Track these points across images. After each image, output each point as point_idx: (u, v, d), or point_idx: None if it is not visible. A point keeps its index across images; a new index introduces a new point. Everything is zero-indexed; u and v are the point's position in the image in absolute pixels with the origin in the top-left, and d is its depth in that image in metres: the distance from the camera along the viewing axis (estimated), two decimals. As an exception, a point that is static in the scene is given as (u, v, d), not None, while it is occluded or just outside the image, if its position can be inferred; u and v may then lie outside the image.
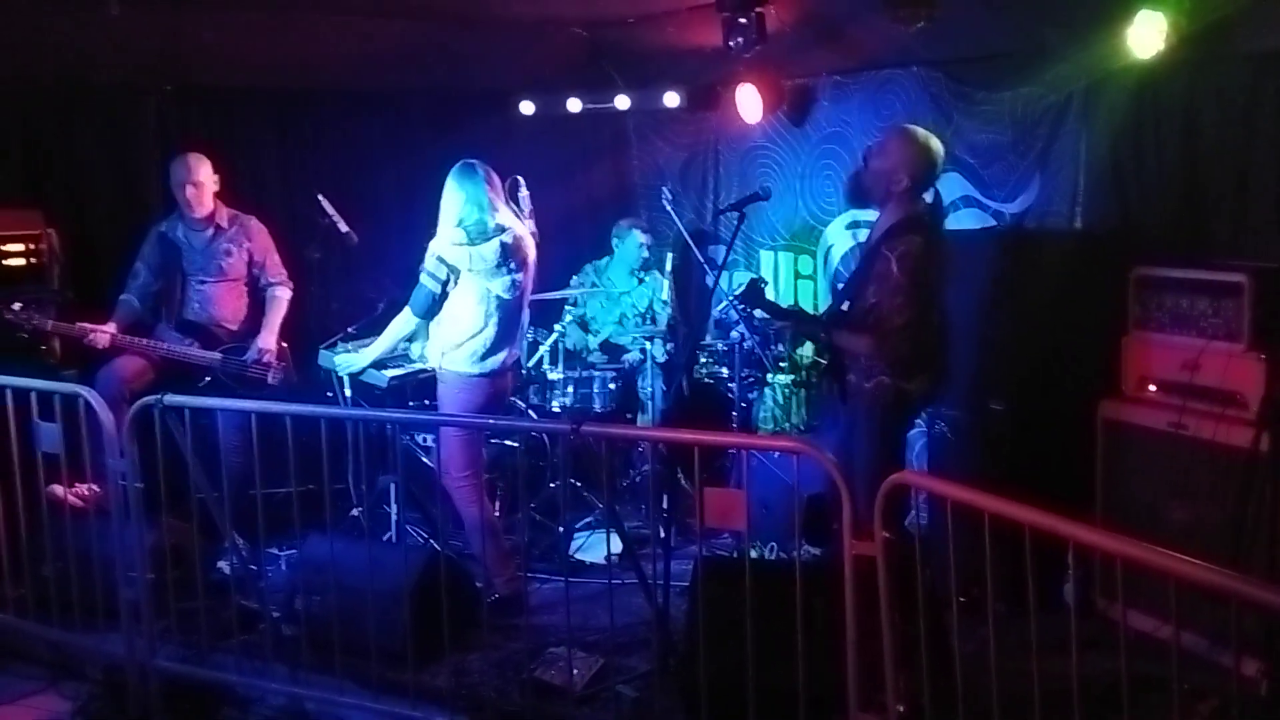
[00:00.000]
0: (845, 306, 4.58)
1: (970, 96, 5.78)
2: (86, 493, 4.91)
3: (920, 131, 4.50)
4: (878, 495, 3.38)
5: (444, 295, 4.96)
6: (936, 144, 4.47)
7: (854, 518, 3.42)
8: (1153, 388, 4.62)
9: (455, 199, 4.91)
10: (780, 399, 6.33)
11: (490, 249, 4.90)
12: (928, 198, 4.49)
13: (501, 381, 5.14)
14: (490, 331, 4.95)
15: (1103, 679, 3.01)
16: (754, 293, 4.69)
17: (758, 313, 5.04)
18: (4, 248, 5.56)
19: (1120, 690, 2.88)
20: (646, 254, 6.92)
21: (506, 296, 4.97)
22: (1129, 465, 4.63)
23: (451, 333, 4.96)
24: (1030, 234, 5.51)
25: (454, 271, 4.92)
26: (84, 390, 4.51)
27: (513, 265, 4.96)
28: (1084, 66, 5.05)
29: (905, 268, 4.21)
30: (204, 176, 5.68)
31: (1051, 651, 3.08)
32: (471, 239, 4.89)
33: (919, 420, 5.20)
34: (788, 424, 6.20)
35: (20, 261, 5.59)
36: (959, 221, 5.90)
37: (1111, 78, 4.97)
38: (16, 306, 5.27)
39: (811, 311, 6.15)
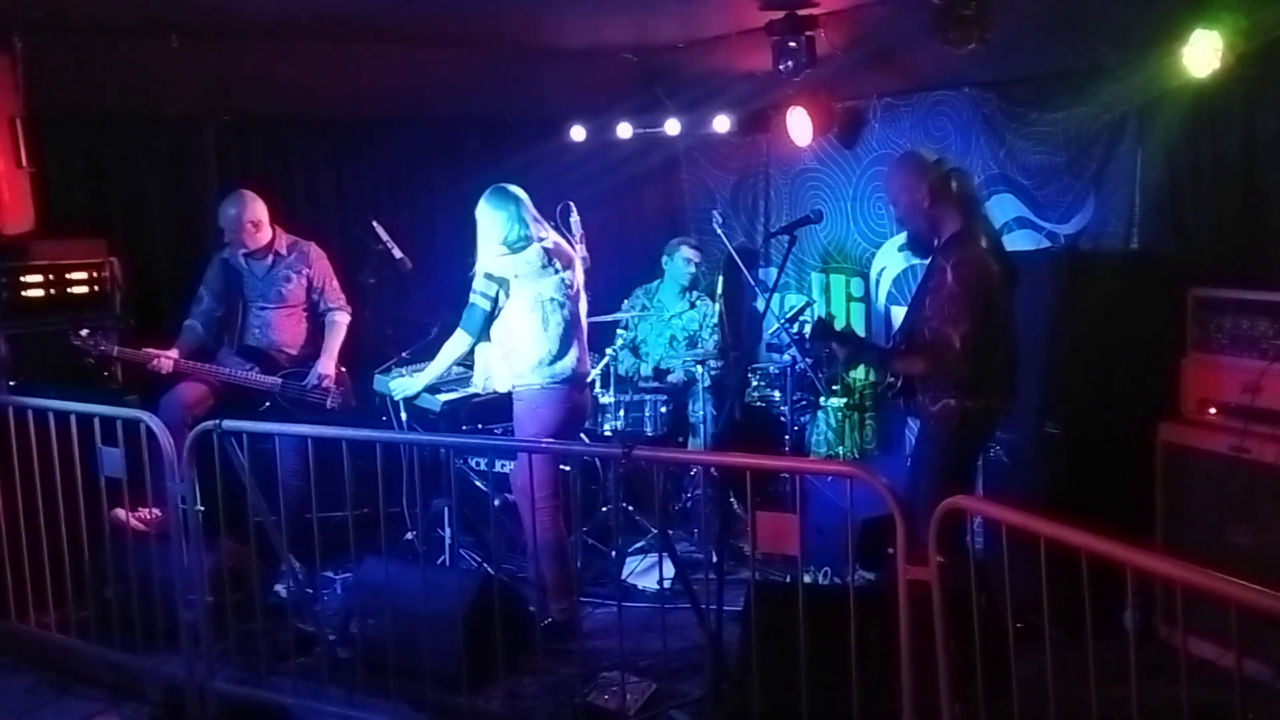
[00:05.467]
0: (906, 327, 4.57)
1: (1023, 117, 5.75)
2: (148, 516, 5.00)
3: (906, 154, 4.70)
4: (932, 520, 3.35)
5: (495, 314, 4.99)
6: (924, 151, 4.64)
7: (909, 542, 3.39)
8: (1213, 410, 4.55)
9: (492, 220, 4.96)
10: (834, 422, 6.30)
11: (532, 252, 4.94)
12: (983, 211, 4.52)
13: (579, 396, 5.15)
14: (554, 335, 4.96)
15: (1164, 707, 2.96)
16: (823, 331, 4.68)
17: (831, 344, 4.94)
18: (68, 275, 5.66)
19: (1181, 718, 2.83)
20: (693, 270, 6.94)
21: (560, 298, 4.99)
22: (1189, 489, 4.56)
23: (515, 346, 4.97)
24: (1085, 255, 5.45)
25: (503, 285, 4.95)
26: (145, 415, 4.59)
27: (558, 265, 4.99)
28: (1139, 86, 5.00)
29: (961, 277, 4.17)
30: (260, 214, 5.76)
31: (1111, 679, 3.03)
32: (512, 248, 4.94)
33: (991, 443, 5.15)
34: (841, 448, 6.17)
35: (84, 289, 5.69)
36: (1013, 243, 5.83)
37: (1167, 97, 4.91)
38: (84, 332, 5.38)
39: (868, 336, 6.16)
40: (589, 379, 5.37)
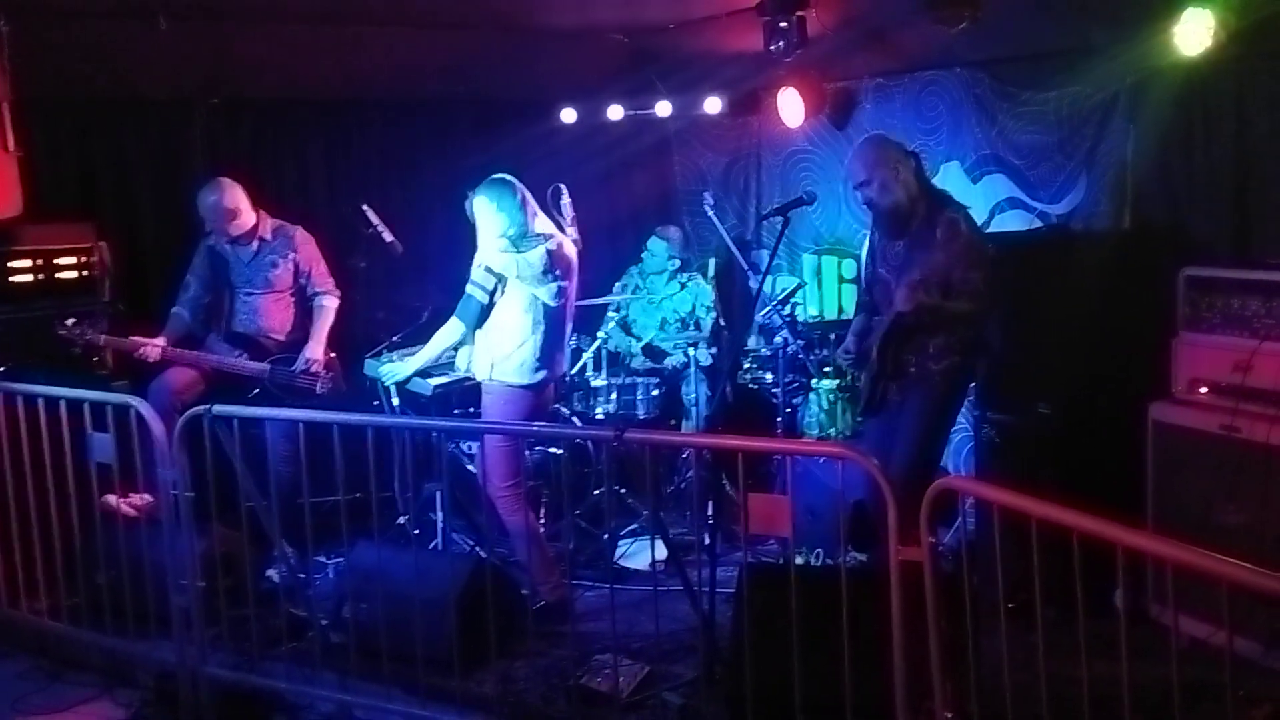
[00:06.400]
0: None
1: (1015, 97, 5.73)
2: (139, 502, 4.99)
3: (870, 136, 5.10)
4: (923, 501, 3.35)
5: (491, 305, 4.99)
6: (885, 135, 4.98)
7: (899, 520, 3.39)
8: (1204, 390, 4.55)
9: (493, 213, 4.93)
10: (826, 404, 6.29)
11: (536, 255, 4.92)
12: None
13: (545, 394, 5.15)
14: (538, 340, 4.95)
15: (1155, 685, 2.97)
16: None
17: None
18: (57, 260, 5.64)
19: (1172, 697, 2.84)
20: (672, 252, 6.93)
21: (553, 304, 4.98)
22: (1180, 469, 4.56)
23: (500, 342, 4.97)
24: (1077, 235, 5.45)
25: (501, 280, 4.94)
26: (135, 401, 4.58)
27: (558, 273, 4.98)
28: (1131, 65, 5.00)
29: (972, 225, 4.48)
30: (239, 200, 5.72)
31: (1103, 658, 3.04)
32: (517, 247, 4.92)
33: (964, 422, 5.22)
34: (833, 429, 6.17)
35: (73, 274, 5.68)
36: (1004, 223, 5.85)
37: (1159, 76, 4.91)
38: (70, 322, 5.35)
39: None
40: (561, 375, 5.37)
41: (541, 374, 4.99)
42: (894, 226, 4.64)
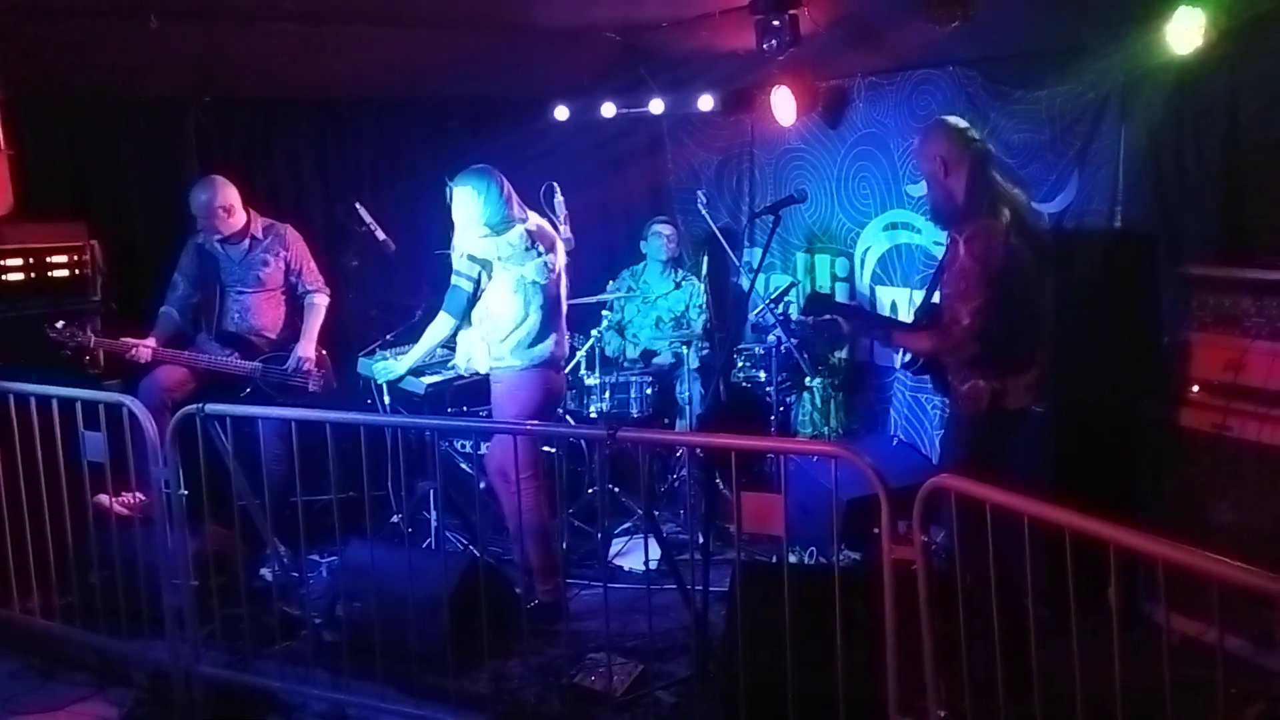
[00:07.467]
0: (924, 306, 4.59)
1: (1007, 95, 5.74)
2: (132, 501, 4.99)
3: (933, 122, 4.53)
4: (916, 499, 3.36)
5: (477, 295, 4.98)
6: (952, 120, 4.44)
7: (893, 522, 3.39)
8: (1196, 388, 4.56)
9: (471, 199, 4.93)
10: (819, 402, 6.31)
11: (515, 234, 4.92)
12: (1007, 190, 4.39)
13: (556, 379, 5.14)
14: (534, 317, 4.95)
15: (1148, 683, 2.98)
16: (818, 301, 4.80)
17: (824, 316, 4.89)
18: (49, 259, 5.62)
19: (1165, 694, 2.85)
20: (672, 246, 6.94)
21: (541, 280, 4.97)
22: (1172, 467, 4.58)
23: (496, 328, 4.96)
24: (1069, 234, 5.45)
25: (485, 266, 4.93)
26: (128, 400, 4.57)
27: (541, 249, 4.98)
28: (1122, 63, 4.99)
29: (974, 251, 4.09)
30: (232, 199, 5.72)
31: (1096, 656, 3.05)
32: (495, 230, 4.92)
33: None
34: (826, 428, 6.19)
35: (64, 273, 5.66)
36: (997, 222, 5.84)
37: (1150, 74, 4.91)
38: (60, 325, 5.34)
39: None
40: (565, 362, 5.35)
41: (544, 351, 4.98)
42: (935, 218, 4.54)
